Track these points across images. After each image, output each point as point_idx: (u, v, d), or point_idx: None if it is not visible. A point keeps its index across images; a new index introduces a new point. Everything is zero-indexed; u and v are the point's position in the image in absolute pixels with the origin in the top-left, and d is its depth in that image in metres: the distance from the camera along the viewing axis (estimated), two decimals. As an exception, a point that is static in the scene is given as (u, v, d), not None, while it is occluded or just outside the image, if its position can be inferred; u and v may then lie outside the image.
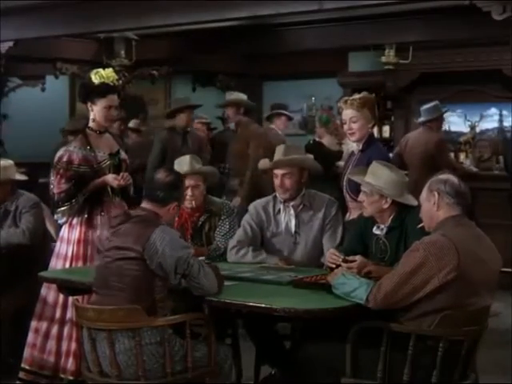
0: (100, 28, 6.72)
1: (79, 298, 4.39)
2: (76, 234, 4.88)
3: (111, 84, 4.93)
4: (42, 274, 4.51)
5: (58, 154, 4.88)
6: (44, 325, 4.83)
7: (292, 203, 4.68)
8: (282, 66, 10.33)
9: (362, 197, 4.16)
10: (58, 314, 4.82)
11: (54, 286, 4.64)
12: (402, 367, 3.40)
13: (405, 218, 4.05)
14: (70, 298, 4.48)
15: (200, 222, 4.93)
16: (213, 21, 6.03)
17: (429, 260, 3.35)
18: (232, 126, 7.22)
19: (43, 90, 9.73)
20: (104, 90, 4.87)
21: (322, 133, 7.48)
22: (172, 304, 3.71)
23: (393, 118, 10.37)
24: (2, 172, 5.27)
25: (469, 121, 9.58)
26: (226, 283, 3.90)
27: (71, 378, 4.71)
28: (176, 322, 3.62)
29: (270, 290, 3.91)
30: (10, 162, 5.53)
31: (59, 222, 4.99)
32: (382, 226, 4.13)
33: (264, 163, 4.86)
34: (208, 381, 3.72)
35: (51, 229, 5.58)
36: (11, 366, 4.96)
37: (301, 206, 4.68)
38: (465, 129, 9.60)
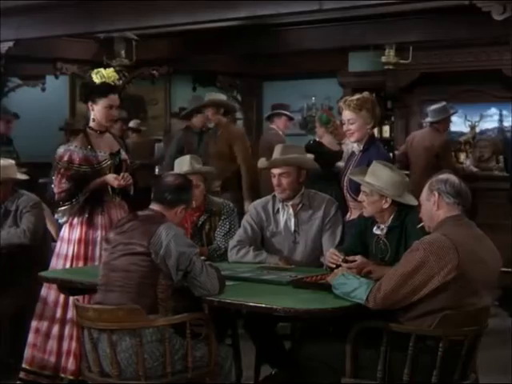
0: (100, 28, 6.71)
1: (80, 297, 4.39)
2: (76, 233, 4.88)
3: (112, 84, 4.94)
4: (43, 273, 4.52)
5: (59, 152, 4.88)
6: (44, 325, 4.84)
7: (291, 202, 4.68)
8: (282, 66, 10.32)
9: (362, 197, 4.16)
10: (58, 314, 4.82)
11: (54, 285, 4.64)
12: (402, 367, 3.40)
13: (405, 218, 4.05)
14: (71, 298, 4.49)
15: (200, 222, 4.94)
16: (213, 21, 6.02)
17: (429, 260, 3.35)
18: (212, 125, 7.21)
19: (43, 89, 9.73)
20: (105, 89, 4.87)
21: (322, 133, 7.48)
22: (172, 304, 3.72)
23: (393, 118, 10.38)
24: (3, 171, 5.27)
25: (469, 121, 9.58)
26: (227, 283, 3.90)
27: (71, 377, 4.72)
28: (176, 321, 3.63)
29: (270, 289, 3.91)
30: (11, 161, 5.53)
31: (59, 221, 4.99)
32: (382, 226, 4.13)
33: (261, 163, 4.87)
34: (208, 381, 3.73)
35: (51, 229, 5.58)
36: (11, 366, 4.96)
37: (300, 205, 4.69)
38: (465, 129, 9.60)
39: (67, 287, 4.35)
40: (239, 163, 6.75)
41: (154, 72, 9.49)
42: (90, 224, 4.87)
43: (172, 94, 11.11)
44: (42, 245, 5.25)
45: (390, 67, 9.23)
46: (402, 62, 9.15)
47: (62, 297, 4.74)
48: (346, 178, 4.67)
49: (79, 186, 4.83)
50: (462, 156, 9.21)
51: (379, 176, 4.08)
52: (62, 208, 4.86)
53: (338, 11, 6.14)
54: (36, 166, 7.62)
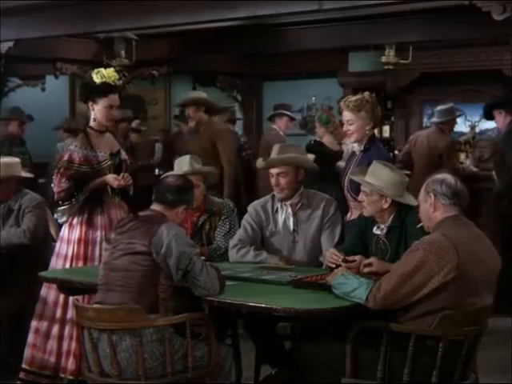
0: (100, 28, 6.71)
1: (79, 297, 4.39)
2: (76, 233, 4.88)
3: (112, 83, 4.95)
4: (42, 273, 4.52)
5: (59, 149, 4.89)
6: (44, 325, 4.83)
7: (290, 202, 4.69)
8: (282, 66, 10.32)
9: (361, 197, 4.17)
10: (58, 314, 4.82)
11: (54, 285, 4.64)
12: (402, 367, 3.40)
13: (405, 218, 4.05)
14: (70, 298, 4.49)
15: (200, 222, 4.94)
16: (213, 21, 6.02)
17: (429, 260, 3.35)
18: (193, 124, 7.23)
19: (43, 89, 9.72)
20: (105, 89, 4.88)
21: (322, 133, 7.48)
22: (173, 304, 3.72)
23: (393, 118, 10.39)
24: (6, 169, 5.27)
25: (469, 121, 9.58)
26: (227, 283, 3.90)
27: (71, 377, 4.72)
28: (176, 321, 3.63)
29: (270, 289, 3.91)
30: (16, 159, 5.53)
31: (59, 221, 4.99)
32: (382, 226, 4.14)
33: (259, 163, 4.88)
34: (208, 381, 3.73)
35: (51, 228, 5.58)
36: (11, 366, 4.96)
37: (299, 205, 4.70)
38: (465, 129, 9.60)
39: (67, 287, 4.35)
40: (221, 160, 6.74)
41: (154, 72, 9.49)
42: (90, 224, 4.87)
43: (172, 94, 11.10)
44: (42, 245, 5.24)
45: (390, 67, 9.23)
46: (402, 62, 9.16)
47: (61, 297, 4.74)
48: (346, 178, 4.67)
49: (79, 186, 4.83)
50: (462, 156, 9.20)
51: (379, 176, 4.09)
52: (62, 207, 4.86)
53: (338, 11, 6.14)
54: (35, 166, 7.62)
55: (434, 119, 7.68)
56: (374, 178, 4.09)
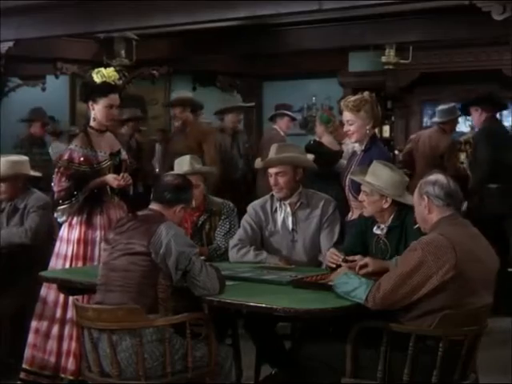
0: (100, 28, 6.71)
1: (79, 297, 4.39)
2: (76, 233, 4.88)
3: (112, 83, 4.95)
4: (42, 273, 4.52)
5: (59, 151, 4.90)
6: (44, 325, 4.84)
7: (289, 201, 4.70)
8: (282, 66, 10.32)
9: (362, 196, 4.17)
10: (58, 314, 4.82)
11: (54, 285, 4.64)
12: (402, 367, 3.40)
13: (405, 218, 4.05)
14: (70, 298, 4.49)
15: (200, 222, 4.94)
16: (213, 21, 6.01)
17: (427, 260, 3.36)
18: (179, 124, 7.24)
19: (43, 89, 9.72)
20: (105, 89, 4.88)
21: (322, 132, 7.46)
22: (172, 304, 3.72)
23: (393, 118, 10.38)
24: (14, 166, 5.28)
25: (469, 121, 9.57)
26: (227, 283, 3.90)
27: (71, 377, 4.72)
28: (176, 321, 3.63)
29: (270, 289, 3.91)
30: (25, 157, 5.53)
31: (59, 220, 4.99)
32: (383, 226, 4.14)
33: (257, 163, 4.88)
34: (208, 381, 3.73)
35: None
36: (11, 366, 4.96)
37: (298, 204, 4.71)
38: (465, 129, 9.60)
39: (67, 287, 4.35)
40: (205, 160, 6.74)
41: (154, 72, 9.48)
42: (89, 224, 4.87)
43: (172, 94, 11.09)
44: (43, 245, 5.23)
45: (390, 67, 9.23)
46: (402, 61, 9.16)
47: (61, 297, 4.75)
48: (347, 178, 4.68)
49: (79, 185, 4.83)
50: (462, 156, 9.19)
51: (379, 176, 4.09)
52: (62, 207, 4.86)
53: (338, 11, 6.14)
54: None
55: (436, 119, 7.68)
56: (375, 177, 4.10)
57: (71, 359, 4.73)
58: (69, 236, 4.90)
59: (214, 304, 3.75)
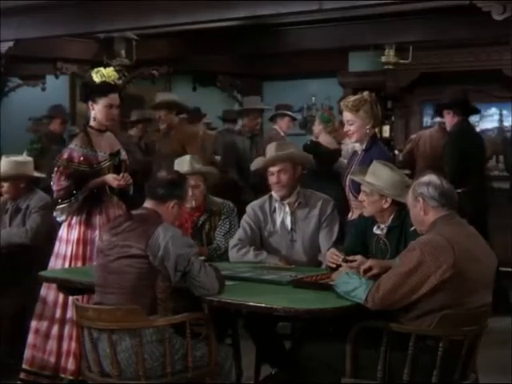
0: (100, 28, 6.71)
1: (79, 297, 4.39)
2: (75, 233, 4.88)
3: (112, 83, 4.95)
4: (42, 273, 4.52)
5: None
6: (44, 325, 4.83)
7: (287, 200, 4.70)
8: (282, 66, 10.32)
9: (362, 196, 4.17)
10: (58, 314, 4.82)
11: (53, 285, 4.64)
12: (402, 367, 3.40)
13: (405, 218, 4.04)
14: (70, 298, 4.48)
15: (200, 222, 4.94)
16: (213, 21, 6.01)
17: (426, 259, 3.36)
18: (164, 127, 7.21)
19: (43, 89, 9.72)
20: (105, 88, 4.88)
21: (319, 131, 7.43)
22: (172, 304, 3.71)
23: (393, 118, 10.38)
24: (17, 167, 5.28)
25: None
26: (227, 283, 3.90)
27: (71, 377, 4.72)
28: (176, 321, 3.62)
29: (270, 289, 3.91)
30: (29, 158, 5.54)
31: (58, 219, 4.98)
32: (383, 226, 4.14)
33: (257, 162, 4.87)
34: (208, 380, 3.73)
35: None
36: (11, 367, 4.96)
37: (296, 203, 4.72)
38: (465, 129, 9.58)
39: (67, 287, 4.35)
40: None
41: (154, 72, 9.48)
42: (89, 224, 4.87)
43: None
44: (43, 245, 5.23)
45: (390, 67, 9.23)
46: (401, 61, 9.15)
47: (61, 297, 4.74)
48: (348, 178, 4.68)
49: (78, 185, 4.83)
50: (462, 156, 9.19)
51: (379, 176, 4.09)
52: (60, 206, 4.86)
53: (338, 11, 6.14)
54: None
55: (438, 119, 7.67)
56: (375, 177, 4.09)
57: (71, 359, 4.73)
58: (68, 236, 4.90)
59: (214, 304, 3.74)
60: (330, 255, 4.17)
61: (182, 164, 4.96)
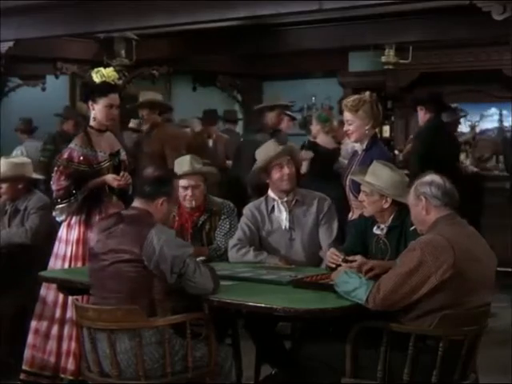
0: (100, 28, 6.71)
1: (79, 297, 4.39)
2: (75, 233, 4.88)
3: (112, 83, 4.95)
4: (42, 273, 4.52)
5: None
6: (44, 325, 4.83)
7: (286, 199, 4.71)
8: (282, 66, 10.33)
9: (362, 196, 4.17)
10: (57, 314, 4.82)
11: (53, 285, 4.64)
12: (402, 367, 3.40)
13: (405, 218, 4.04)
14: (70, 298, 4.48)
15: (200, 222, 4.94)
16: (213, 21, 6.01)
17: (426, 259, 3.36)
18: (147, 127, 7.19)
19: (43, 89, 9.73)
20: (105, 88, 4.88)
21: (317, 131, 7.41)
22: (170, 304, 3.71)
23: (393, 118, 10.38)
24: (16, 169, 5.28)
25: (469, 121, 9.58)
26: (227, 283, 3.90)
27: (71, 377, 4.71)
28: (176, 321, 3.62)
29: (270, 289, 3.91)
30: (27, 160, 5.55)
31: (57, 219, 4.98)
32: (383, 226, 4.14)
33: (264, 158, 4.87)
34: (208, 381, 3.73)
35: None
36: (11, 367, 4.96)
37: (293, 202, 4.73)
38: (465, 129, 9.59)
39: (66, 287, 4.35)
40: (168, 164, 6.67)
41: (154, 72, 9.48)
42: (88, 224, 4.87)
43: (172, 94, 11.09)
44: (43, 245, 5.23)
45: (390, 67, 9.23)
46: (401, 61, 9.16)
47: (61, 297, 4.74)
48: (348, 178, 4.68)
49: (78, 185, 4.83)
50: (462, 156, 9.20)
51: (379, 176, 4.09)
52: (60, 206, 4.86)
53: (338, 11, 6.14)
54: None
55: None
56: (375, 177, 4.09)
57: (71, 359, 4.73)
58: (68, 236, 4.89)
59: (214, 304, 3.74)
60: (330, 255, 4.16)
61: (182, 164, 4.96)
